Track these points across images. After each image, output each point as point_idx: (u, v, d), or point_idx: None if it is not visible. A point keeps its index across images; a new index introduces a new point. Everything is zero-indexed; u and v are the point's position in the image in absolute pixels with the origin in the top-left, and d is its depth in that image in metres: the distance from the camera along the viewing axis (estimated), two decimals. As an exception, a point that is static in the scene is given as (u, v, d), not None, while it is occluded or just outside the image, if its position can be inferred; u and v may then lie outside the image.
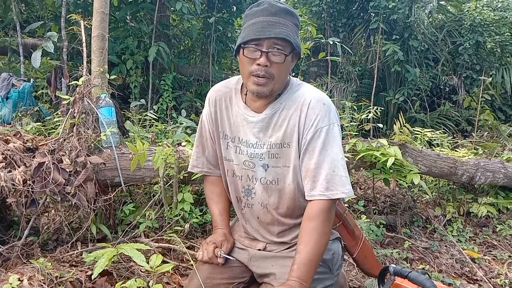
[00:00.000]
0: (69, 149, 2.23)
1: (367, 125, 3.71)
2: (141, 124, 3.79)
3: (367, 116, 3.62)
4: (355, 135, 3.35)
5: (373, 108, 3.67)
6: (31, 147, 2.25)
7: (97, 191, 2.22)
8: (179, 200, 2.47)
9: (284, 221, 1.45)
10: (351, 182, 1.39)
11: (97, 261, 1.62)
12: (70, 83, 3.41)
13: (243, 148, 1.44)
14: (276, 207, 1.44)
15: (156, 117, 3.97)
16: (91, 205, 2.17)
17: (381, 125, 3.83)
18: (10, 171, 2.05)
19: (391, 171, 3.02)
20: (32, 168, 2.08)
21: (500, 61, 7.64)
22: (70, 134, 2.31)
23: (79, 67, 2.57)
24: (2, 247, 2.04)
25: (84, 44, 2.68)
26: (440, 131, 4.45)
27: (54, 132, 2.95)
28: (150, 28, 5.83)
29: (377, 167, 3.08)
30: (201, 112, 1.58)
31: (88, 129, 2.33)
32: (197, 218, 2.47)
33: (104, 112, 2.43)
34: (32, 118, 4.00)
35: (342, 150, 1.38)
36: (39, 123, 3.44)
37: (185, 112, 4.61)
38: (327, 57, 5.51)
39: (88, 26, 2.77)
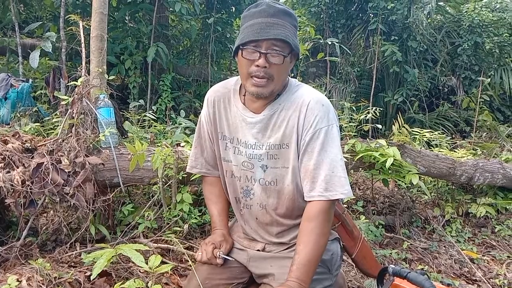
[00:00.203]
0: (67, 149, 2.23)
1: (366, 125, 3.71)
2: (140, 124, 3.79)
3: (366, 116, 3.62)
4: (354, 135, 3.36)
5: (372, 108, 3.68)
6: (30, 147, 2.25)
7: (96, 191, 2.22)
8: (178, 201, 2.47)
9: (283, 222, 1.45)
10: (350, 183, 1.39)
11: (96, 262, 1.61)
12: (68, 84, 3.41)
13: (241, 149, 1.44)
14: (275, 208, 1.44)
15: (155, 118, 3.96)
16: (90, 205, 2.17)
17: (380, 126, 3.84)
18: (8, 172, 2.05)
19: (390, 171, 3.02)
20: (31, 168, 2.07)
21: (499, 62, 7.65)
22: (69, 135, 2.30)
23: (78, 68, 2.57)
24: (1, 247, 2.04)
25: (83, 45, 2.68)
26: (438, 131, 4.47)
27: (52, 132, 2.95)
28: (149, 29, 5.83)
29: (376, 167, 3.08)
30: (200, 112, 1.58)
31: (87, 130, 2.32)
32: (196, 218, 2.47)
33: (103, 113, 2.43)
34: (31, 118, 3.99)
35: (341, 150, 1.38)
36: (37, 124, 3.43)
37: (184, 112, 4.61)
38: (326, 58, 5.52)
39: (87, 27, 2.77)
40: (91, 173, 2.21)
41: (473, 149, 4.68)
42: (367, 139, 3.23)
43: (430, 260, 2.92)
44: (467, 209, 3.75)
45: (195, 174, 2.02)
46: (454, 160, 3.54)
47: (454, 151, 4.11)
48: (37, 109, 4.39)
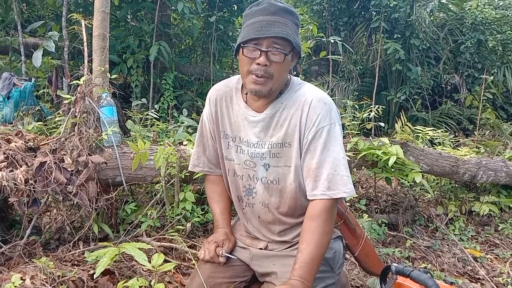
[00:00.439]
0: (70, 148, 2.23)
1: (368, 124, 3.71)
2: (143, 123, 3.80)
3: (369, 115, 3.62)
4: (357, 134, 3.35)
5: (374, 107, 3.67)
6: (33, 146, 2.25)
7: (98, 190, 2.23)
8: (180, 199, 2.47)
9: (286, 220, 1.45)
10: (352, 181, 1.39)
11: (99, 260, 1.62)
12: (71, 83, 3.42)
13: (244, 147, 1.44)
14: (277, 207, 1.44)
15: (157, 116, 3.97)
16: (92, 204, 2.17)
17: (382, 124, 3.83)
18: (12, 171, 2.06)
19: (392, 170, 3.02)
20: (34, 167, 2.08)
21: (502, 59, 7.61)
22: (72, 134, 2.31)
23: (80, 67, 2.58)
24: (5, 246, 2.04)
25: (85, 44, 2.68)
26: (441, 129, 4.45)
27: (55, 131, 2.96)
28: (151, 27, 5.83)
29: (378, 166, 3.07)
30: (202, 111, 1.58)
31: (89, 129, 2.33)
32: (198, 217, 2.47)
33: (105, 112, 2.43)
34: (34, 117, 4.00)
35: (344, 149, 1.38)
36: (40, 123, 3.44)
37: (186, 111, 4.61)
38: (328, 56, 5.51)
39: (89, 26, 2.78)
40: (94, 172, 2.22)
41: (476, 147, 4.66)
42: (370, 137, 3.22)
43: (433, 259, 2.91)
44: (470, 207, 3.74)
45: (198, 173, 2.02)
46: (457, 158, 3.52)
47: (457, 149, 4.09)
48: (40, 108, 4.40)
